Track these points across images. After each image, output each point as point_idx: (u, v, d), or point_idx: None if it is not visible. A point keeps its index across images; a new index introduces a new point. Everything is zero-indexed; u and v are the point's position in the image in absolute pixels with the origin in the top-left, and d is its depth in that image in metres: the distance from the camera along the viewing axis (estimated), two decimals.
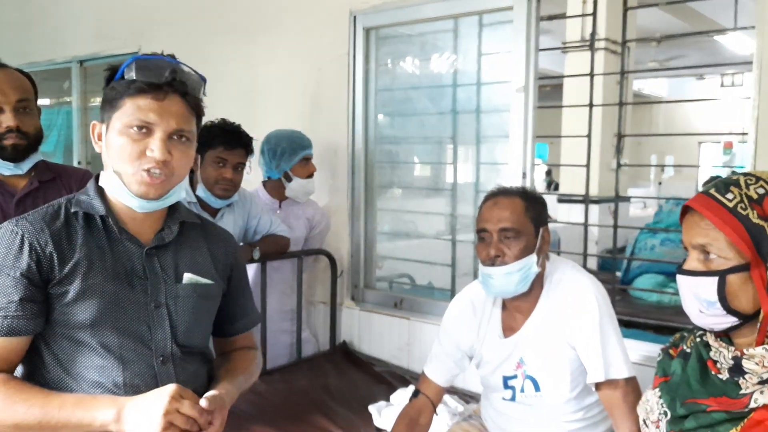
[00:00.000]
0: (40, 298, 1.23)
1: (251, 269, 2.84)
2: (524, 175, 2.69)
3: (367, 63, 3.20)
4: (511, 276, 1.77)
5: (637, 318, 2.89)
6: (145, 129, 1.25)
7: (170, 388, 1.16)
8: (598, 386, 1.76)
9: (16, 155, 1.84)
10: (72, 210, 1.30)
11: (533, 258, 1.79)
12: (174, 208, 1.39)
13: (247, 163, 2.62)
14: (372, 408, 2.50)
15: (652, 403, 1.32)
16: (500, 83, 2.98)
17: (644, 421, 1.34)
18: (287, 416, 2.40)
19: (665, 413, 1.27)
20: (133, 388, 1.26)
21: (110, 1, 4.40)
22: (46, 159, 1.99)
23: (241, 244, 2.70)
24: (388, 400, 2.57)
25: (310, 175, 2.93)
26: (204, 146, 2.50)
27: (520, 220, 1.78)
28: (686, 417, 1.22)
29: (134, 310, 1.30)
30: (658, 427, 1.29)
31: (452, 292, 3.23)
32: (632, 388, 1.73)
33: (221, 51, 3.71)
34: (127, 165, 1.25)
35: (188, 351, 1.37)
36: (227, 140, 2.50)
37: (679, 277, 1.24)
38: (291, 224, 2.99)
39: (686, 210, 1.27)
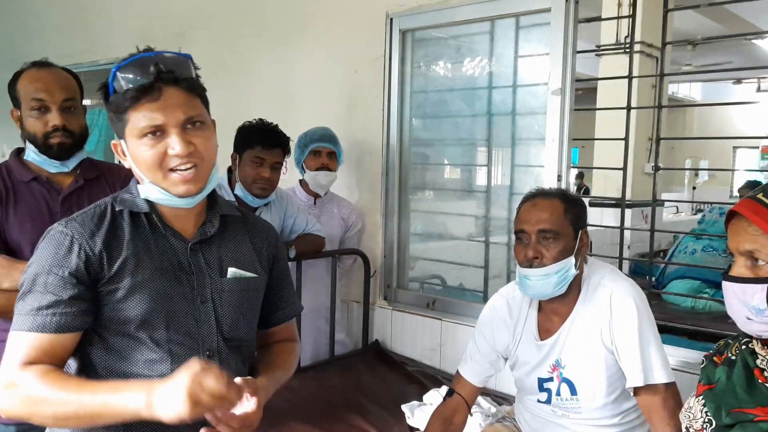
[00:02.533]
0: (88, 296, 1.24)
1: None
2: (559, 178, 2.68)
3: (403, 65, 3.22)
4: (549, 278, 1.76)
5: (671, 323, 2.85)
6: (158, 132, 1.24)
7: (193, 366, 1.12)
8: (636, 391, 1.75)
9: (62, 153, 1.88)
10: (117, 209, 1.31)
11: (571, 260, 1.77)
12: (214, 202, 1.40)
13: (284, 163, 2.67)
14: (405, 407, 2.51)
15: (695, 411, 1.30)
16: (536, 85, 2.97)
17: (687, 429, 1.32)
18: (321, 413, 2.42)
19: (710, 422, 1.25)
20: None
21: (151, 5, 4.48)
22: (91, 157, 2.04)
23: None
24: (420, 399, 2.58)
25: (321, 168, 2.97)
26: (242, 146, 2.54)
27: (559, 222, 1.77)
28: (732, 426, 1.20)
29: (182, 305, 1.31)
30: None
31: (485, 294, 3.22)
32: (672, 394, 1.72)
33: (259, 53, 3.76)
34: (156, 171, 1.26)
35: (234, 345, 1.39)
36: (265, 140, 2.54)
37: (725, 284, 1.22)
38: (325, 222, 3.04)
39: (732, 215, 1.25)
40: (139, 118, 1.23)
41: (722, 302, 1.25)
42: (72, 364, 1.32)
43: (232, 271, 1.38)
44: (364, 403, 2.57)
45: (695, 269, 3.75)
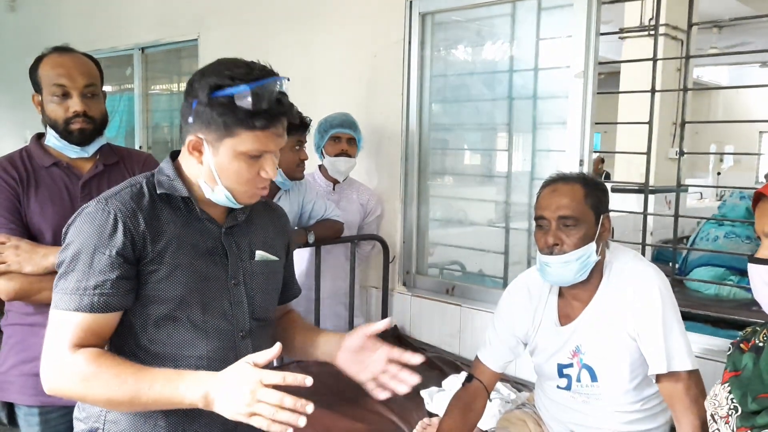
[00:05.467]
0: (132, 275, 1.27)
1: (305, 253, 2.89)
2: (581, 163, 2.65)
3: (423, 49, 3.19)
4: (570, 265, 1.74)
5: (694, 310, 2.81)
6: (260, 155, 1.30)
7: (255, 373, 1.14)
8: (658, 378, 1.73)
9: (82, 139, 1.88)
10: (157, 191, 1.34)
11: (592, 247, 1.75)
12: None
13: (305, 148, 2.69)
14: (424, 393, 2.51)
15: (720, 398, 1.28)
16: (558, 69, 2.92)
17: (712, 416, 1.30)
18: (340, 398, 2.42)
19: (735, 408, 1.24)
20: (216, 361, 1.30)
21: None
22: (111, 143, 2.04)
23: (296, 228, 2.74)
24: (439, 385, 2.57)
25: (341, 154, 2.97)
26: None
27: (580, 208, 1.74)
28: (758, 413, 1.18)
29: (218, 286, 1.36)
30: (728, 422, 1.25)
31: (504, 280, 3.20)
32: (695, 382, 1.69)
33: (278, 38, 3.75)
34: (243, 186, 1.32)
35: (263, 324, 1.45)
36: (300, 126, 2.61)
37: (752, 267, 1.20)
38: (344, 207, 3.03)
39: (759, 197, 1.22)
40: (254, 141, 1.27)
41: (747, 289, 1.22)
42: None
43: (259, 254, 1.44)
44: None
45: (718, 257, 3.69)
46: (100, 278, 1.23)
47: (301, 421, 1.14)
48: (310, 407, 1.15)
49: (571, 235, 1.74)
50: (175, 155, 1.43)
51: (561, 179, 1.82)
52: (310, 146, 2.73)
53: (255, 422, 1.14)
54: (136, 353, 1.31)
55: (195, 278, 1.32)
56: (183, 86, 4.99)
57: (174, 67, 5.03)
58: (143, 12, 4.65)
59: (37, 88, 1.89)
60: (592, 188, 1.80)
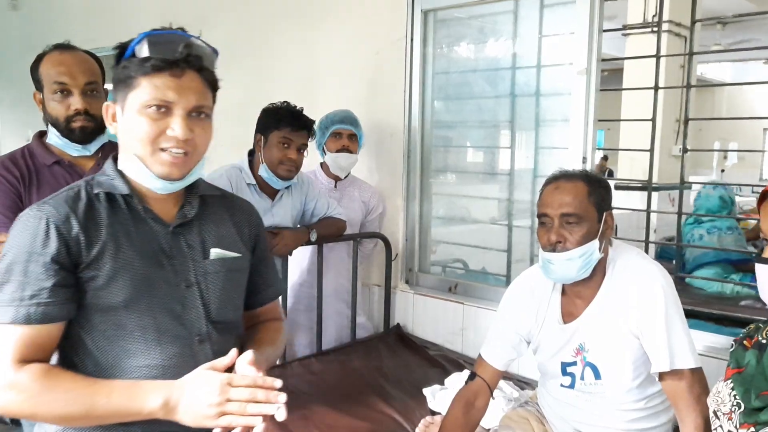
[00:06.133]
0: (71, 283, 1.19)
1: (307, 251, 2.88)
2: (584, 160, 2.64)
3: (425, 46, 3.18)
4: (572, 262, 1.74)
5: (698, 308, 2.80)
6: (164, 108, 1.21)
7: (220, 375, 1.14)
8: (662, 376, 1.72)
9: (84, 137, 1.89)
10: (94, 191, 1.26)
11: (595, 244, 1.74)
12: (193, 184, 1.35)
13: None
14: (426, 391, 2.50)
15: (723, 395, 1.28)
16: (561, 66, 2.91)
17: (715, 412, 1.30)
18: (343, 396, 2.43)
19: (738, 405, 1.23)
20: (173, 368, 1.24)
21: None
22: (113, 141, 2.04)
23: (299, 226, 2.74)
24: (442, 383, 2.57)
25: (342, 150, 2.96)
26: (269, 128, 2.54)
27: (583, 205, 1.74)
28: (762, 409, 1.18)
29: (166, 289, 1.27)
30: (730, 419, 1.25)
31: (507, 278, 3.20)
32: (698, 379, 1.69)
33: (280, 35, 3.74)
34: (147, 146, 1.22)
35: (223, 328, 1.35)
36: (293, 122, 2.54)
37: (758, 267, 1.19)
38: (346, 205, 3.03)
39: (765, 196, 1.22)
40: (151, 88, 1.20)
41: (751, 286, 1.22)
42: (54, 357, 1.26)
43: (215, 252, 1.35)
44: (385, 387, 2.57)
45: (712, 254, 3.69)
46: (36, 287, 1.16)
47: (279, 415, 1.13)
48: (282, 397, 1.14)
49: (573, 232, 1.73)
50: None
51: (563, 176, 1.81)
52: (310, 145, 2.71)
53: (224, 422, 1.12)
54: (87, 366, 1.23)
55: (139, 283, 1.23)
56: None
57: None
58: (145, 10, 4.64)
59: (38, 86, 1.89)
60: (595, 185, 1.79)
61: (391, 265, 3.15)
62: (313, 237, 2.68)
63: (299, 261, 2.88)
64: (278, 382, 1.16)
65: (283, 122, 2.53)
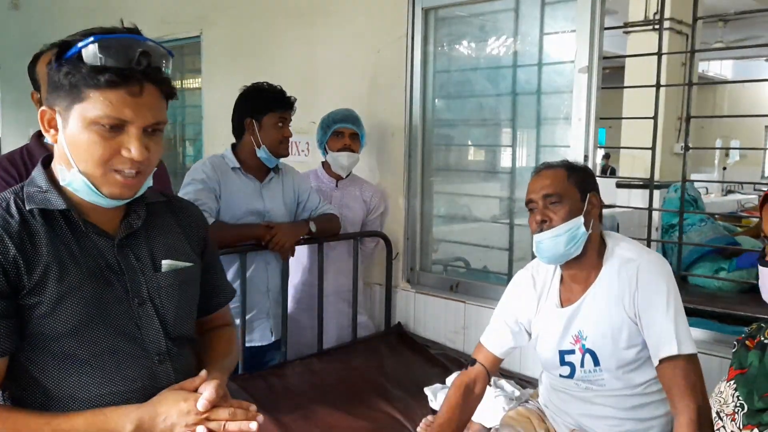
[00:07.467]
0: (11, 313, 1.08)
1: (306, 249, 2.88)
2: (586, 158, 2.64)
3: (426, 44, 3.17)
4: (559, 238, 1.80)
5: (701, 306, 2.79)
6: (117, 127, 1.09)
7: (194, 395, 1.12)
8: (660, 362, 1.72)
9: None
10: (27, 207, 1.13)
11: (580, 220, 1.81)
12: None
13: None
14: (428, 390, 2.50)
15: (726, 396, 1.27)
16: (562, 64, 2.90)
17: (718, 413, 1.29)
18: (344, 396, 2.42)
19: (741, 406, 1.22)
20: (135, 392, 1.16)
21: None
22: None
23: (296, 220, 2.73)
24: (443, 382, 2.56)
25: (343, 149, 2.96)
26: (261, 111, 2.57)
27: (562, 185, 1.83)
28: (765, 410, 1.17)
29: (118, 309, 1.17)
30: (734, 420, 1.24)
31: (509, 277, 3.18)
32: (693, 367, 1.69)
33: (281, 33, 3.73)
34: (98, 167, 1.10)
35: (181, 342, 1.27)
36: (284, 102, 2.61)
37: (762, 269, 1.19)
38: (347, 204, 3.02)
39: (766, 200, 1.21)
40: (105, 105, 1.06)
41: (739, 281, 1.21)
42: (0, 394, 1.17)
43: (166, 264, 1.24)
44: (386, 386, 2.56)
45: (701, 250, 3.77)
46: None
47: (253, 426, 1.12)
48: (260, 418, 1.14)
49: (557, 211, 1.81)
50: (49, 160, 1.20)
51: (546, 166, 1.91)
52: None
53: None
54: (44, 402, 1.13)
55: (88, 305, 1.12)
56: (186, 84, 4.99)
57: (176, 64, 5.02)
58: (146, 9, 4.64)
59: (36, 85, 1.89)
60: (575, 170, 1.89)
61: (392, 264, 3.14)
62: (313, 228, 2.67)
63: (298, 259, 2.88)
64: (253, 407, 1.16)
65: (275, 105, 2.58)
